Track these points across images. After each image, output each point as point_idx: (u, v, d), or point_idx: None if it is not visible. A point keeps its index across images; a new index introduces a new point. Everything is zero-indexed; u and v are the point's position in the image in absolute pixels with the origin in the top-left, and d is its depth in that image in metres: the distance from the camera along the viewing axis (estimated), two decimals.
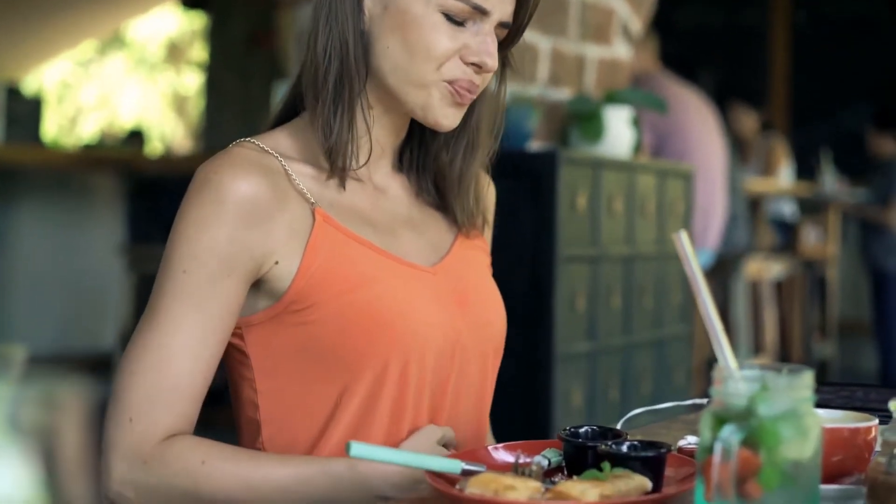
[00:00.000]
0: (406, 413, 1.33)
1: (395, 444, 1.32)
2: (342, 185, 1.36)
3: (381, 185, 1.41)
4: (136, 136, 8.43)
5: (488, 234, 1.53)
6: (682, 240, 1.04)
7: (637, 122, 3.30)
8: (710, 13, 8.60)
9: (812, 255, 6.21)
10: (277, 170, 1.32)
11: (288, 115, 1.41)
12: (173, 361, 1.25)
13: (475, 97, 1.36)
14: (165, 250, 1.28)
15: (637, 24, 3.67)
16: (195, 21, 10.88)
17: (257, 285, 1.31)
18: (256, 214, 1.28)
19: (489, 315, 1.43)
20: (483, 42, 1.33)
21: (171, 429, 1.25)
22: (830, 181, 6.52)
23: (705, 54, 8.23)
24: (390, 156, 1.42)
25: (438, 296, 1.36)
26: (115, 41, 12.79)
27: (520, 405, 2.74)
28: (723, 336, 1.02)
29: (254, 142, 1.34)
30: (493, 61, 1.33)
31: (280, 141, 1.36)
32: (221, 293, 1.27)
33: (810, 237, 6.29)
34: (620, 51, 3.58)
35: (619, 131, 3.21)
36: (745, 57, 8.51)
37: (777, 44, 8.41)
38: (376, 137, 1.38)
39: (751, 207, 5.68)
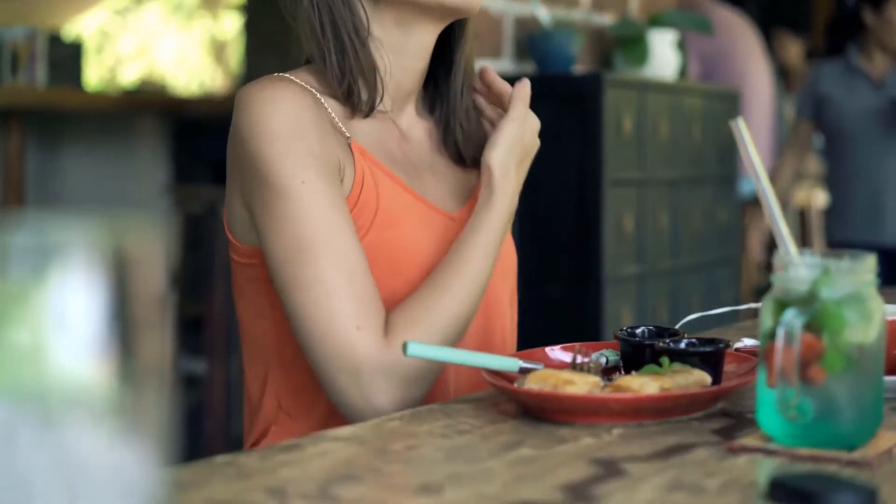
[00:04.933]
0: None
1: None
2: (367, 116, 1.34)
3: (405, 129, 1.40)
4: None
5: None
6: (740, 127, 1.02)
7: (682, 45, 3.26)
8: None
9: None
10: (318, 100, 1.31)
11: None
12: (355, 262, 1.22)
13: None
14: (261, 178, 1.24)
15: None
16: None
17: None
18: (324, 127, 1.27)
19: (504, 263, 1.42)
20: None
21: (384, 315, 1.23)
22: None
23: None
24: (413, 100, 1.41)
25: None
26: None
27: (569, 329, 2.74)
28: (783, 223, 1.01)
29: (287, 76, 1.32)
30: None
31: (309, 78, 1.34)
32: (339, 191, 1.25)
33: None
34: None
35: (663, 55, 3.17)
36: None
37: None
38: (398, 80, 1.36)
39: None
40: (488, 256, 1.29)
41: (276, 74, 1.32)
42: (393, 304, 1.28)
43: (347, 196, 1.28)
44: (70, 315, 0.45)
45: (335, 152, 1.28)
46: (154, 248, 0.42)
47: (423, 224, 1.33)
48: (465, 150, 1.42)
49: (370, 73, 1.33)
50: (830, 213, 4.05)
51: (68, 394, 0.46)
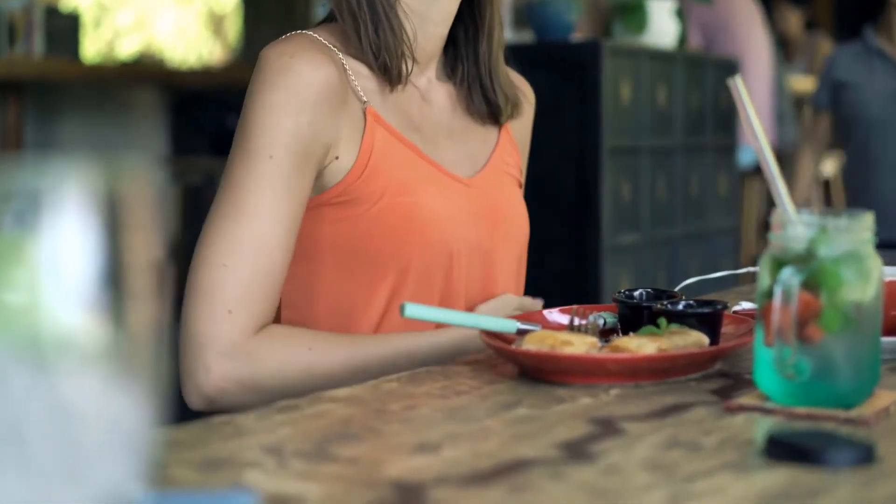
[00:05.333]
0: None
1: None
2: (399, 86, 1.36)
3: (425, 92, 1.41)
4: None
5: (525, 157, 1.54)
6: (738, 85, 1.02)
7: (681, 14, 3.25)
8: None
9: None
10: (339, 63, 1.31)
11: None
12: (270, 253, 1.23)
13: None
14: (241, 136, 1.26)
15: None
16: None
17: None
18: (331, 102, 1.28)
19: (516, 230, 1.44)
20: None
21: (267, 319, 1.24)
22: None
23: None
24: (434, 64, 1.43)
25: (471, 208, 1.37)
26: None
27: (568, 298, 2.73)
28: (781, 181, 1.00)
29: (311, 34, 1.34)
30: None
31: (331, 37, 1.35)
32: (304, 181, 1.26)
33: None
34: None
35: (662, 23, 3.16)
36: None
37: None
38: (422, 46, 1.38)
39: (796, 106, 5.61)
40: (391, 364, 1.25)
41: (301, 34, 1.33)
42: (407, 271, 1.30)
43: (352, 166, 1.29)
44: (64, 261, 0.44)
45: (327, 134, 1.28)
46: (147, 190, 0.42)
47: (437, 190, 1.34)
48: (504, 107, 1.44)
49: (403, 44, 1.34)
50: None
51: (62, 341, 0.45)
